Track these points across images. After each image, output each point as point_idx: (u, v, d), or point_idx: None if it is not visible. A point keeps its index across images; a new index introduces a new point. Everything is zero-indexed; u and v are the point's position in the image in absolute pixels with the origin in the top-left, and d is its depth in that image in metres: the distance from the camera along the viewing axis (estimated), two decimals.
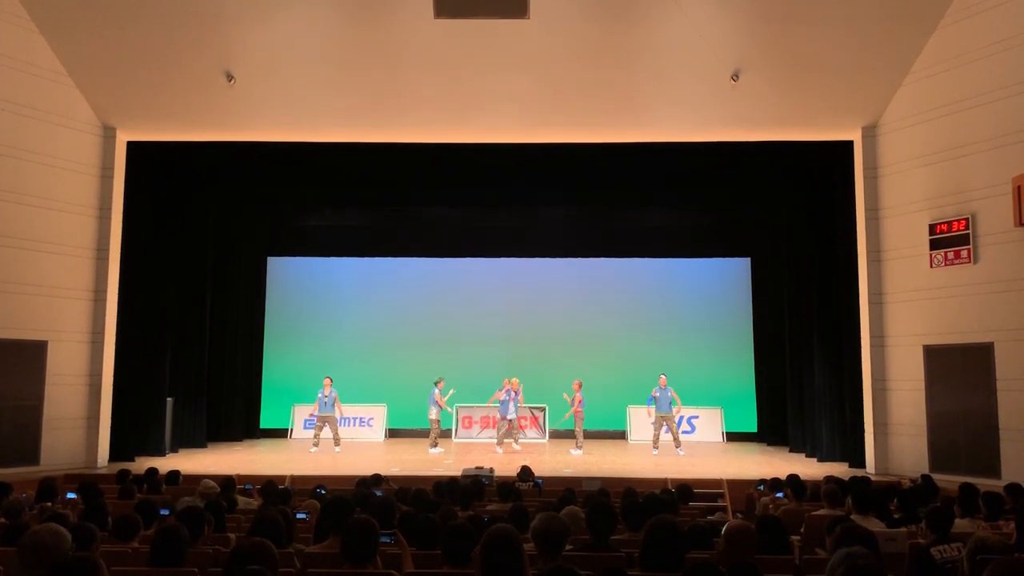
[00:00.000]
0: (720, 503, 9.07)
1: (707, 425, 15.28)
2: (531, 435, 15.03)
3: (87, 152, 11.72)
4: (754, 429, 15.51)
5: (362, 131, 12.21)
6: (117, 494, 7.36)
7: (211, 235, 14.19)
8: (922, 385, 10.89)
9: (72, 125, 11.51)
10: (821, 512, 5.83)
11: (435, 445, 13.37)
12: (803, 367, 13.33)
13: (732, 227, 16.15)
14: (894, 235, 11.39)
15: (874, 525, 5.09)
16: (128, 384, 12.09)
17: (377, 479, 8.27)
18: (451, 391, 13.87)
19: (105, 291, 11.72)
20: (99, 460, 11.53)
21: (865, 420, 11.56)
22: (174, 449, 12.90)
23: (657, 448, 13.15)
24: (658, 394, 13.03)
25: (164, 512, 5.50)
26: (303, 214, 15.64)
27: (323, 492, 7.28)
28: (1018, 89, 9.86)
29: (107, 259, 11.77)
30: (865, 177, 11.70)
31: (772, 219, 14.86)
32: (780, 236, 14.53)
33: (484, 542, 3.04)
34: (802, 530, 5.50)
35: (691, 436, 14.80)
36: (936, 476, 9.06)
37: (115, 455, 11.75)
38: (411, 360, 15.80)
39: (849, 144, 12.03)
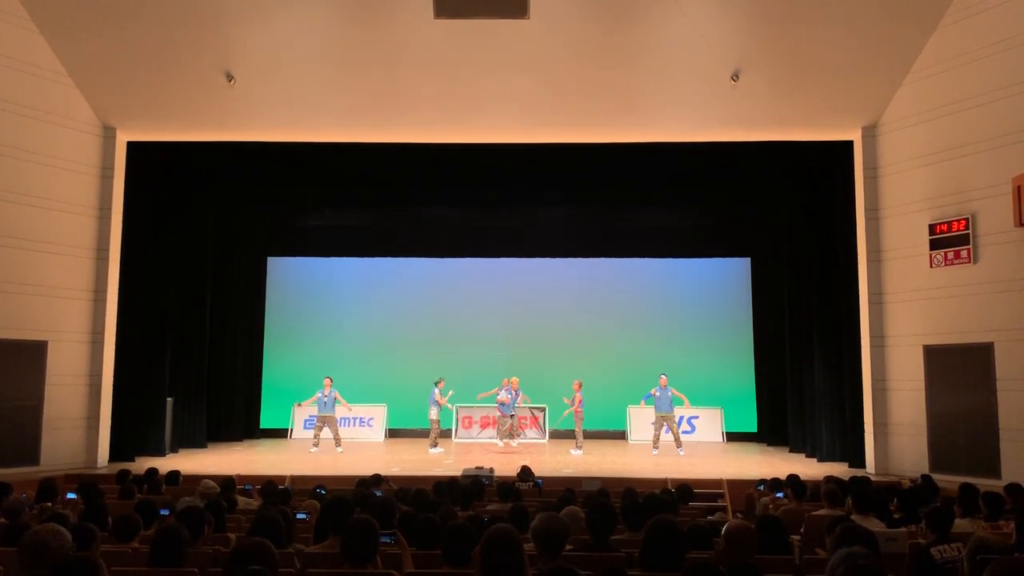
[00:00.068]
0: (720, 503, 9.07)
1: (707, 425, 15.28)
2: (531, 435, 15.02)
3: (87, 152, 11.72)
4: (754, 429, 15.51)
5: (362, 131, 12.21)
6: (117, 494, 7.37)
7: (211, 235, 14.19)
8: (922, 385, 10.89)
9: (72, 125, 11.51)
10: (821, 512, 5.83)
11: (435, 445, 13.37)
12: (803, 367, 13.33)
13: (732, 227, 16.15)
14: (894, 235, 11.39)
15: (874, 525, 5.09)
16: (128, 384, 12.09)
17: (377, 479, 8.28)
18: (451, 391, 13.86)
19: (105, 291, 11.72)
20: (99, 460, 11.53)
21: (865, 420, 11.56)
22: (174, 449, 12.90)
23: (657, 448, 13.15)
24: (658, 394, 13.01)
25: (164, 512, 5.50)
26: (303, 214, 15.64)
27: (323, 492, 7.28)
28: (1018, 89, 9.86)
29: (107, 259, 11.77)
30: (865, 177, 11.70)
31: (772, 219, 14.86)
32: (780, 236, 14.53)
33: (484, 542, 3.04)
34: (802, 530, 5.50)
35: (691, 436, 14.79)
36: (936, 476, 9.06)
37: (115, 455, 11.75)
38: (411, 360, 15.79)
39: (849, 144, 12.04)
